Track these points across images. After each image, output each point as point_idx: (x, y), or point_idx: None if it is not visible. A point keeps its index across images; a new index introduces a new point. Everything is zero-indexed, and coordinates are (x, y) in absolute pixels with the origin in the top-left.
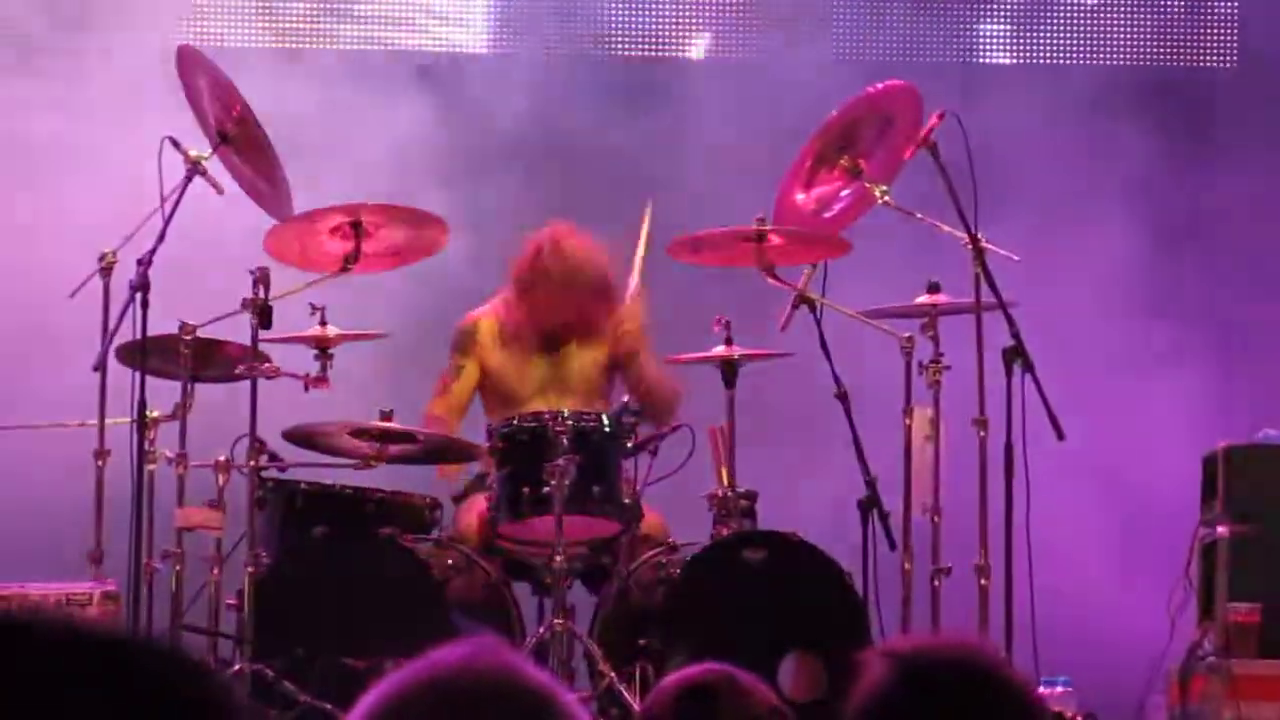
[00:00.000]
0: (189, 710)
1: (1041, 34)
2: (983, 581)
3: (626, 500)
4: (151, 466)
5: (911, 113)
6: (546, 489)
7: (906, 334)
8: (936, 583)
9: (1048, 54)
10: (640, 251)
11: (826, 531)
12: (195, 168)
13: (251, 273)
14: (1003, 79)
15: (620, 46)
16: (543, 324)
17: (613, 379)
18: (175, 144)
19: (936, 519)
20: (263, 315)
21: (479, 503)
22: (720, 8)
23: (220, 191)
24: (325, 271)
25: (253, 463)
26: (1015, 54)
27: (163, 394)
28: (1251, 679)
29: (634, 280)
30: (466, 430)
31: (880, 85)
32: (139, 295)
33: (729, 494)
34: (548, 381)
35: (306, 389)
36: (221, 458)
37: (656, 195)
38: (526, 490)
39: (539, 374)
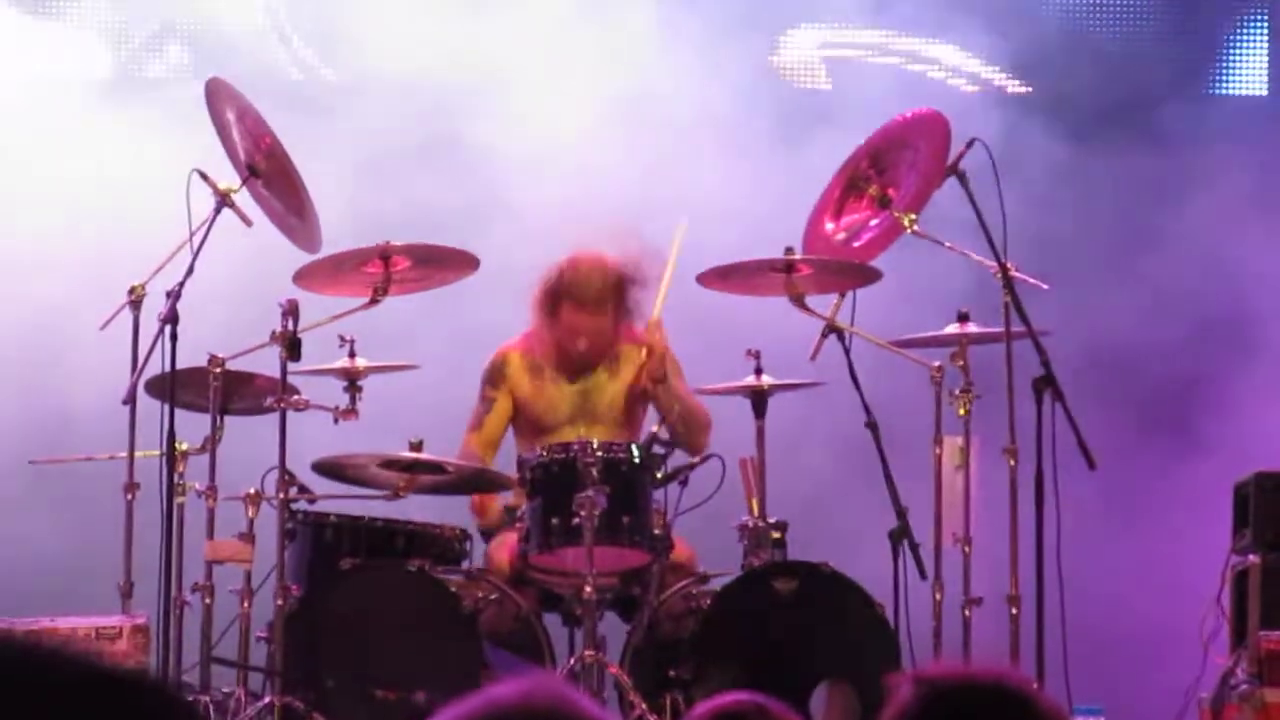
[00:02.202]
0: None
1: None
2: (1014, 611)
3: (657, 531)
4: (181, 499)
5: (940, 141)
6: (577, 520)
7: (936, 363)
8: (968, 612)
9: None
10: (669, 271)
11: (857, 562)
12: (224, 200)
13: (280, 305)
14: None
15: None
16: (571, 348)
17: (642, 408)
18: (204, 176)
19: (967, 549)
20: (292, 348)
21: (509, 536)
22: None
23: (249, 224)
24: (356, 297)
25: (282, 495)
26: None
27: (192, 427)
28: None
29: (658, 305)
30: (499, 462)
31: (909, 113)
32: (168, 328)
33: (759, 524)
34: (577, 411)
35: (336, 421)
36: (251, 490)
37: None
38: (557, 521)
39: (568, 403)
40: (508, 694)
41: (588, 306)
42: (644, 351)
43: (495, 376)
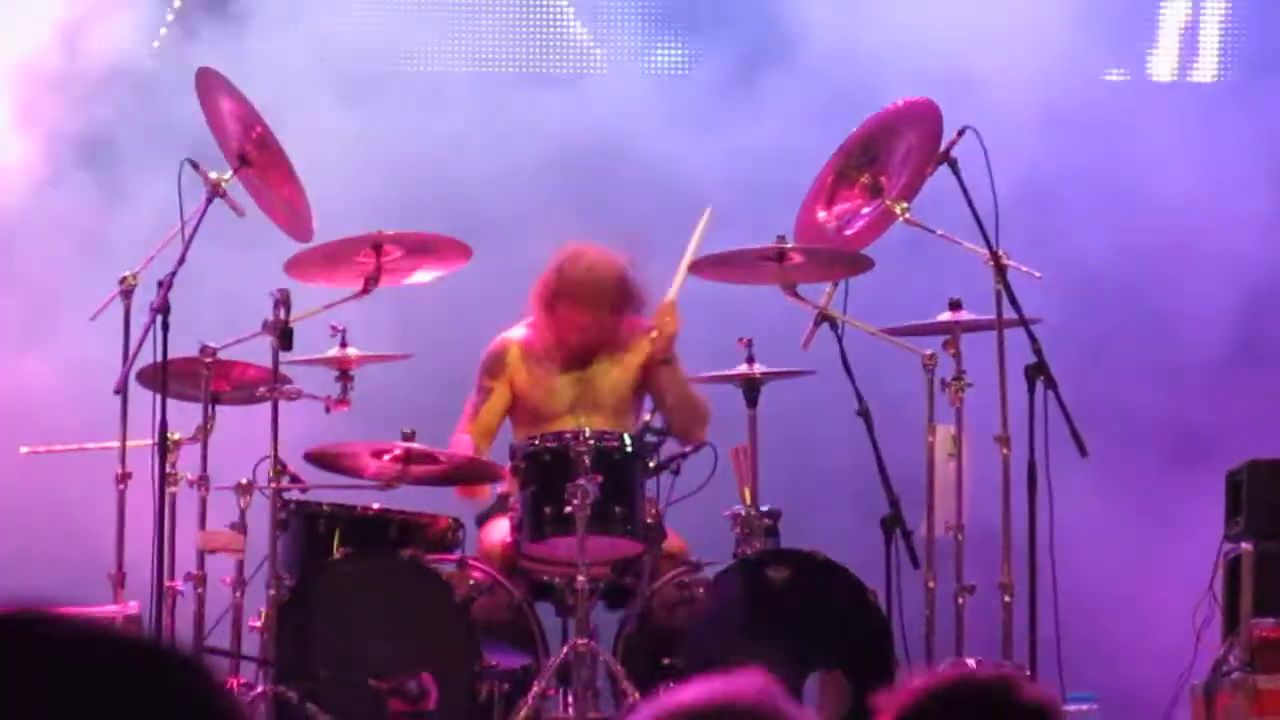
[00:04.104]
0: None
1: None
2: (1006, 599)
3: (649, 520)
4: (173, 489)
5: (931, 129)
6: (569, 509)
7: (928, 351)
8: (960, 600)
9: None
10: (689, 255)
11: (850, 550)
12: (215, 190)
13: (272, 295)
14: None
15: None
16: (570, 341)
17: (642, 395)
18: (195, 166)
19: (959, 536)
20: (284, 337)
21: (501, 523)
22: None
23: (241, 214)
24: (348, 286)
25: (274, 485)
26: None
27: (184, 416)
28: (1276, 694)
29: (676, 284)
30: (494, 450)
31: (900, 102)
32: (160, 318)
33: (752, 513)
34: (577, 399)
35: (328, 410)
36: (243, 480)
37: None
38: (549, 510)
39: (569, 392)
40: (716, 692)
41: (586, 304)
42: (652, 333)
43: (494, 366)
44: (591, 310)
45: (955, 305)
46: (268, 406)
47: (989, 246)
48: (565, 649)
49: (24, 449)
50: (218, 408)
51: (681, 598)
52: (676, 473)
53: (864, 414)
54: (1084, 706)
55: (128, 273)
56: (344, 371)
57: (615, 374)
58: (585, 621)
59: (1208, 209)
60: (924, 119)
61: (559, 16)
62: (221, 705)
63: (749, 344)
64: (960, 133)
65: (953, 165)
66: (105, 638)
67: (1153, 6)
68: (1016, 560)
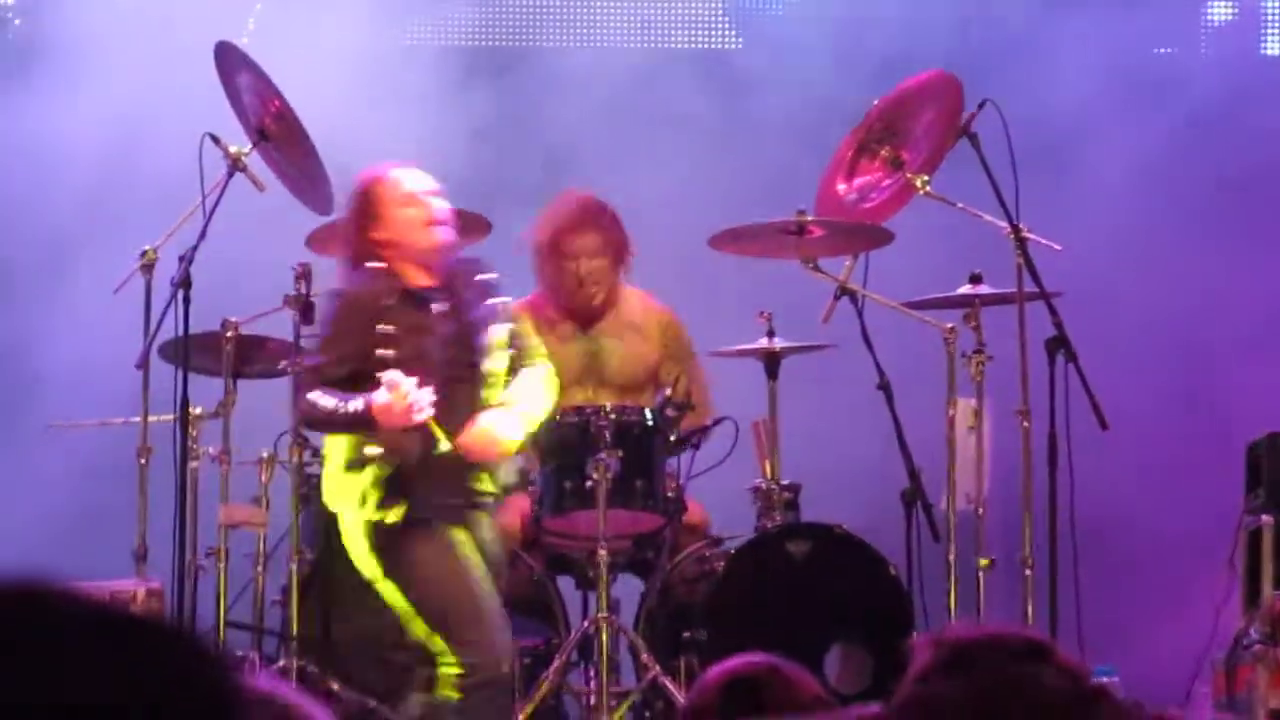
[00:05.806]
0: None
1: None
2: (1027, 572)
3: (669, 494)
4: (195, 464)
5: (952, 102)
6: (589, 483)
7: (949, 325)
8: (981, 574)
9: None
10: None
11: (870, 524)
12: (236, 164)
13: (293, 269)
14: None
15: None
16: (576, 292)
17: (654, 377)
18: (216, 140)
19: (980, 510)
20: (305, 311)
21: (521, 499)
22: None
23: (261, 188)
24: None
25: (296, 459)
26: None
27: (206, 391)
28: None
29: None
30: None
31: (921, 75)
32: (181, 292)
33: (772, 487)
34: (584, 371)
35: None
36: (265, 454)
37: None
38: (569, 485)
39: (575, 363)
40: None
41: (580, 227)
42: (672, 341)
43: None
44: (589, 231)
45: (976, 279)
46: (289, 380)
47: (1009, 220)
48: (586, 623)
49: (50, 424)
50: (239, 382)
51: (702, 571)
52: (697, 447)
53: (885, 388)
54: (1105, 680)
55: (148, 247)
56: None
57: (621, 353)
58: (606, 595)
59: None
60: (945, 93)
61: None
62: (228, 690)
63: (769, 318)
64: (980, 106)
65: (973, 139)
66: (109, 616)
67: None
68: (1037, 534)
